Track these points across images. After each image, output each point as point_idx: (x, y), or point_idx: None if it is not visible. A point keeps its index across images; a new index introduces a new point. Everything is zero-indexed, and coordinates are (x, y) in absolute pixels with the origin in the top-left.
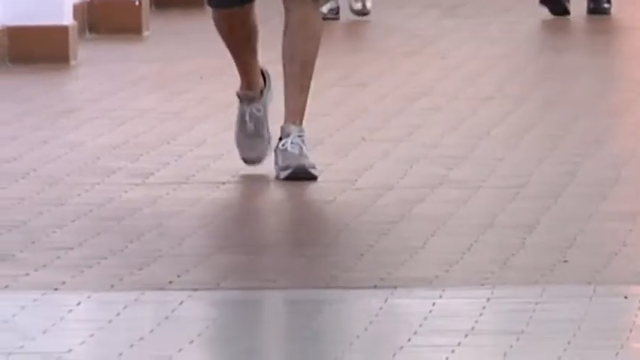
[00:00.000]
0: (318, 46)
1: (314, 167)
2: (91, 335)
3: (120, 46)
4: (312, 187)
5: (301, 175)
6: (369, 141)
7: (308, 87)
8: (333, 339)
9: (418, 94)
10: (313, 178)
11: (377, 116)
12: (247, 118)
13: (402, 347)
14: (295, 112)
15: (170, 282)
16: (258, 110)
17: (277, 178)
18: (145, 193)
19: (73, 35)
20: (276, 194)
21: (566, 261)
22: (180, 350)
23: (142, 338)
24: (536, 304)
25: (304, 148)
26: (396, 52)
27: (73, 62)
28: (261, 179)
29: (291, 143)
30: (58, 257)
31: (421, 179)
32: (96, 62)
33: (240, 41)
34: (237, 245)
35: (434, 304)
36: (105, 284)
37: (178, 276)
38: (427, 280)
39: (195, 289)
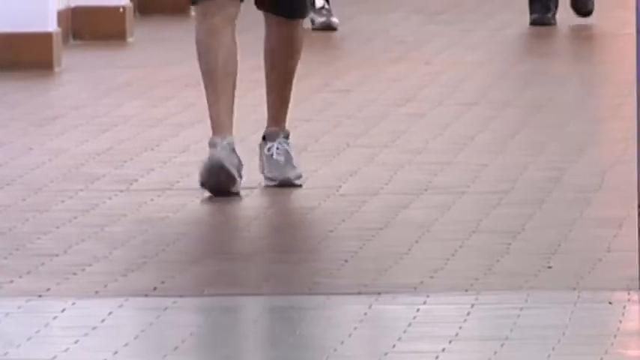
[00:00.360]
0: (299, 58)
1: (300, 177)
2: (76, 342)
3: (104, 53)
4: (296, 194)
5: (286, 186)
6: (354, 147)
7: (289, 96)
8: (316, 345)
9: (402, 99)
10: (298, 186)
11: (361, 122)
12: (218, 148)
13: (386, 353)
14: (278, 119)
15: (154, 288)
16: (230, 143)
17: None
18: (129, 199)
19: (57, 42)
20: (260, 201)
21: (550, 267)
22: (164, 357)
23: (126, 345)
24: (521, 309)
25: (291, 153)
26: (379, 58)
27: (57, 69)
28: (245, 186)
29: (277, 149)
30: (43, 264)
31: (405, 185)
32: (80, 69)
33: (220, 65)
34: (221, 252)
35: (418, 310)
36: (89, 291)
37: (162, 282)
38: (411, 286)
39: (180, 296)
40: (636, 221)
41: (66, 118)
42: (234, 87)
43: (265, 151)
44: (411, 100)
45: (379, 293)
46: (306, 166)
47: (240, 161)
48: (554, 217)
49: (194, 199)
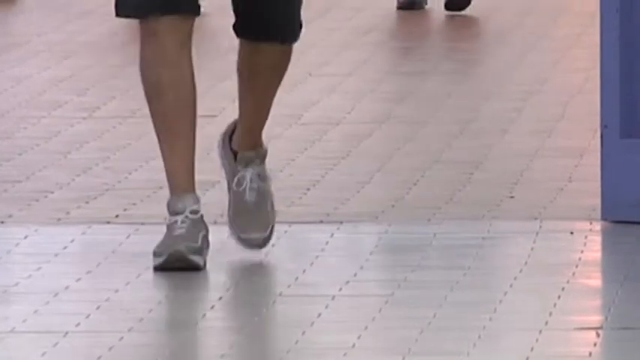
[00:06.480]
0: (283, 77)
1: (269, 237)
2: (38, 269)
3: None
4: None
5: (255, 246)
6: (316, 76)
7: (268, 114)
8: (278, 273)
9: (366, 29)
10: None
11: (324, 51)
12: (179, 223)
13: (347, 282)
14: (255, 142)
15: (117, 216)
16: (196, 213)
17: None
18: (92, 126)
19: None
20: (223, 129)
21: (512, 197)
22: (127, 284)
23: (89, 272)
24: (483, 239)
25: (266, 190)
26: None
27: None
28: (207, 115)
29: (250, 182)
30: (5, 190)
31: (368, 114)
32: None
33: (177, 104)
34: None
35: (380, 239)
36: (52, 218)
37: (125, 210)
38: (373, 215)
39: (142, 223)
40: (598, 151)
41: (28, 45)
42: (194, 127)
43: (234, 184)
44: (374, 30)
45: (341, 222)
46: None
47: (206, 232)
48: (516, 147)
49: None
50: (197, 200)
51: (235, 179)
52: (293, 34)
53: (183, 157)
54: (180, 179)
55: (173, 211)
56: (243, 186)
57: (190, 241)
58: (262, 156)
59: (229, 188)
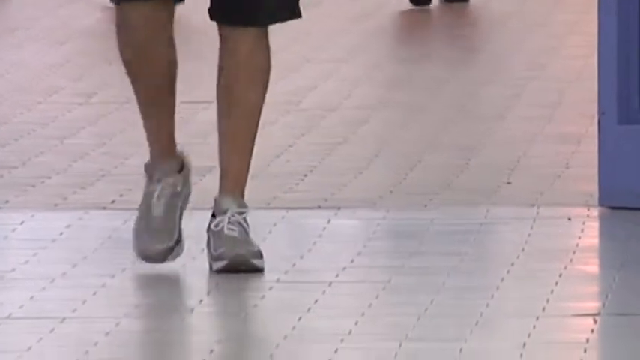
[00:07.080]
0: (266, 88)
1: (259, 257)
2: (35, 254)
3: None
4: None
5: (241, 267)
6: (312, 62)
7: (252, 144)
8: (276, 259)
9: (362, 15)
10: (257, 270)
11: (320, 37)
12: (155, 198)
13: (345, 268)
14: (235, 180)
15: (113, 201)
16: (174, 187)
17: (210, 268)
18: (88, 112)
19: None
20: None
21: (509, 183)
22: (123, 270)
23: (85, 257)
24: (480, 225)
25: (246, 229)
26: None
27: None
28: (203, 101)
29: (229, 223)
30: (1, 176)
31: (365, 100)
32: None
33: (158, 90)
34: None
35: (378, 225)
36: (48, 203)
37: (121, 195)
38: (371, 201)
39: (138, 209)
40: (595, 137)
41: (24, 31)
42: (173, 100)
43: (212, 227)
44: (371, 16)
45: (338, 208)
46: None
47: (184, 197)
48: (513, 134)
49: None
50: (173, 170)
51: (213, 223)
52: (266, 13)
53: (162, 128)
54: (158, 147)
55: (150, 176)
56: (223, 224)
57: (166, 238)
58: (243, 205)
59: (207, 232)
